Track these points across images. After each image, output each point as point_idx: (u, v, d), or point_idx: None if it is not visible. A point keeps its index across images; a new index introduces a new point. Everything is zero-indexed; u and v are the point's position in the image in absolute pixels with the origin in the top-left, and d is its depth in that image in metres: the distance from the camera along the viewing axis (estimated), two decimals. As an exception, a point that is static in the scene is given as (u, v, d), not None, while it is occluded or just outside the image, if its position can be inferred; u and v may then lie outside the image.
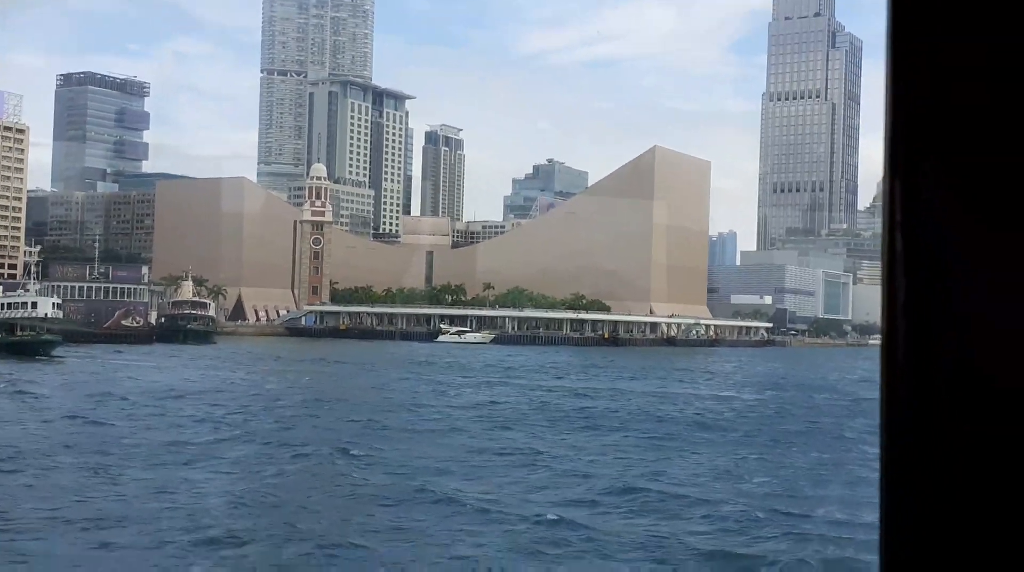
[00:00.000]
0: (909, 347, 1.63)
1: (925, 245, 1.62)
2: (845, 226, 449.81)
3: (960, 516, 1.59)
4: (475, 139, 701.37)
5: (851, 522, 29.14)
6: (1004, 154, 1.58)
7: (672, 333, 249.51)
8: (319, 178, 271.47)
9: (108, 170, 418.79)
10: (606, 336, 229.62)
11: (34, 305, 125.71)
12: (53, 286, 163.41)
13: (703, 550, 25.51)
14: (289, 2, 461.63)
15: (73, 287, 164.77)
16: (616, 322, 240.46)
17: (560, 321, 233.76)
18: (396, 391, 79.08)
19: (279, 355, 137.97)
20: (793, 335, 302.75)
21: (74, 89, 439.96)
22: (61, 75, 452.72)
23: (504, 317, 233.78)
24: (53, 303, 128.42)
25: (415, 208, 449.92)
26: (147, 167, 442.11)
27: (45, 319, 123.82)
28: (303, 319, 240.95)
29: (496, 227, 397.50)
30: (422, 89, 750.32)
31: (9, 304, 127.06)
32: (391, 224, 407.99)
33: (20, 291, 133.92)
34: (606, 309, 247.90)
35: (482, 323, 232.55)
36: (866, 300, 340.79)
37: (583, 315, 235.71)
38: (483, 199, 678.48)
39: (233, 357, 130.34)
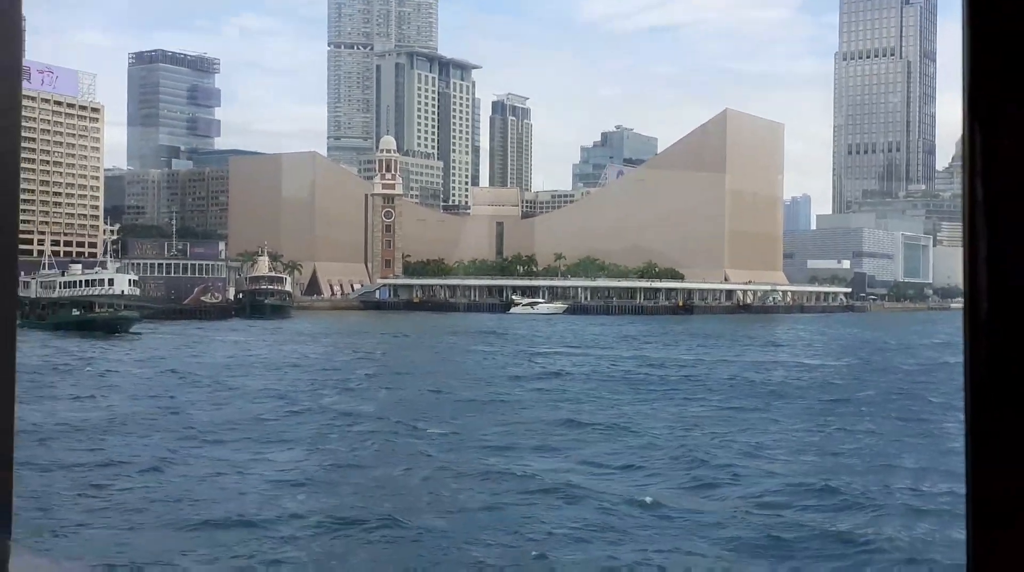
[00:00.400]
0: (992, 302, 1.56)
1: (1008, 194, 1.55)
2: (923, 187, 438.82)
3: None
4: (541, 108, 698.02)
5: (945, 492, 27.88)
6: None
7: (748, 300, 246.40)
8: (389, 151, 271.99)
9: (182, 148, 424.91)
10: (681, 304, 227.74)
11: (111, 282, 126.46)
12: (132, 264, 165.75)
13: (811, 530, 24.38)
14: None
15: (152, 264, 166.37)
16: (691, 290, 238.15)
17: (634, 290, 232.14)
18: (473, 364, 78.52)
19: (355, 329, 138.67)
20: (873, 300, 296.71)
21: (146, 67, 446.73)
22: (133, 54, 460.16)
23: (576, 287, 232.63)
24: (129, 280, 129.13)
25: (483, 179, 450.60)
26: (219, 144, 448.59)
27: (122, 296, 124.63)
28: (377, 292, 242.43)
29: (565, 196, 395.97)
30: (487, 59, 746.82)
31: (86, 281, 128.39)
32: (460, 195, 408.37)
33: (97, 269, 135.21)
34: (679, 277, 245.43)
35: (554, 294, 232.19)
36: (947, 262, 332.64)
37: (657, 284, 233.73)
38: (551, 168, 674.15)
39: (310, 331, 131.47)
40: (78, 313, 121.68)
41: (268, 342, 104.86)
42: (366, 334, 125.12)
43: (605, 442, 38.52)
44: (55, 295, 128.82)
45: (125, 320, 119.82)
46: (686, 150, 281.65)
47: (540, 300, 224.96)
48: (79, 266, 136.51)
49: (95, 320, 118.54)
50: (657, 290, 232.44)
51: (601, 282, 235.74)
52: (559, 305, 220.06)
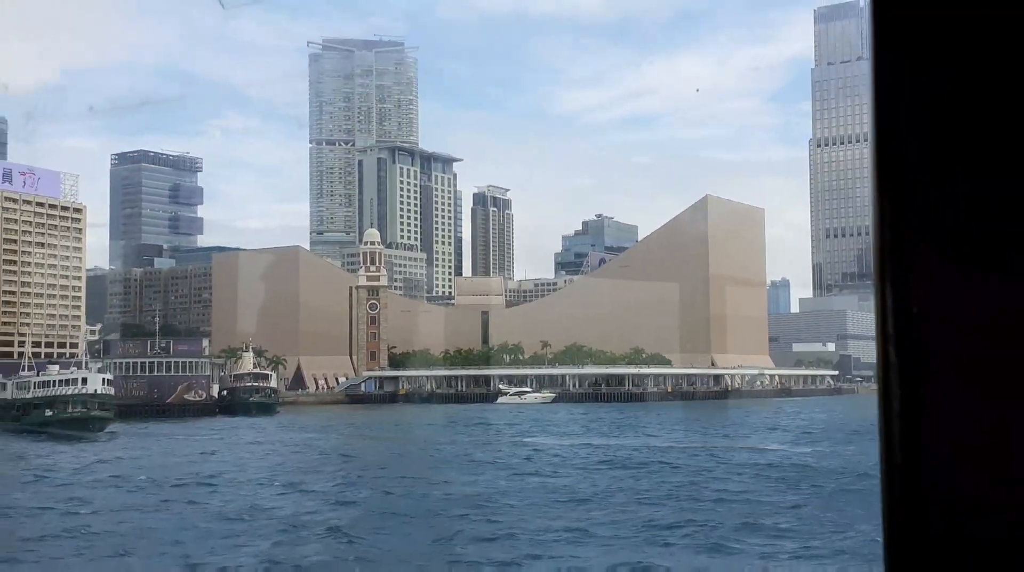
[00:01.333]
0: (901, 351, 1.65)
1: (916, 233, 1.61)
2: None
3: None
4: (521, 199, 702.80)
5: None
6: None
7: (736, 384, 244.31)
8: (373, 243, 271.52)
9: (164, 246, 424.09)
10: (670, 390, 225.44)
11: (84, 381, 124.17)
12: (115, 363, 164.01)
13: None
14: (335, 73, 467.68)
15: (135, 363, 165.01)
16: (678, 376, 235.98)
17: (622, 377, 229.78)
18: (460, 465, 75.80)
19: (337, 424, 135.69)
20: (859, 382, 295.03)
21: (129, 167, 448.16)
22: (116, 154, 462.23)
23: (564, 375, 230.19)
24: (103, 379, 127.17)
25: (466, 269, 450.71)
26: (202, 242, 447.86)
27: (95, 395, 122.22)
28: (363, 385, 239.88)
29: (548, 285, 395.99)
30: (467, 152, 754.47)
31: (60, 381, 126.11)
32: (444, 286, 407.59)
33: (72, 369, 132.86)
34: (667, 363, 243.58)
35: (542, 382, 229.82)
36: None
37: (644, 370, 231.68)
38: (533, 257, 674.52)
39: (294, 427, 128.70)
40: (51, 413, 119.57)
41: (246, 442, 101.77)
42: (349, 430, 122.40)
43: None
44: (29, 396, 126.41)
45: (98, 420, 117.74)
46: (669, 236, 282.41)
47: (527, 389, 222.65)
48: (56, 367, 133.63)
49: (67, 420, 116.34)
50: (645, 377, 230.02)
51: (589, 369, 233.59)
52: (547, 393, 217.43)
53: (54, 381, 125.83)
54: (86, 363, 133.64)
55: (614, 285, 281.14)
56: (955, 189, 1.61)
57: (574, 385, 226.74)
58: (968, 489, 1.56)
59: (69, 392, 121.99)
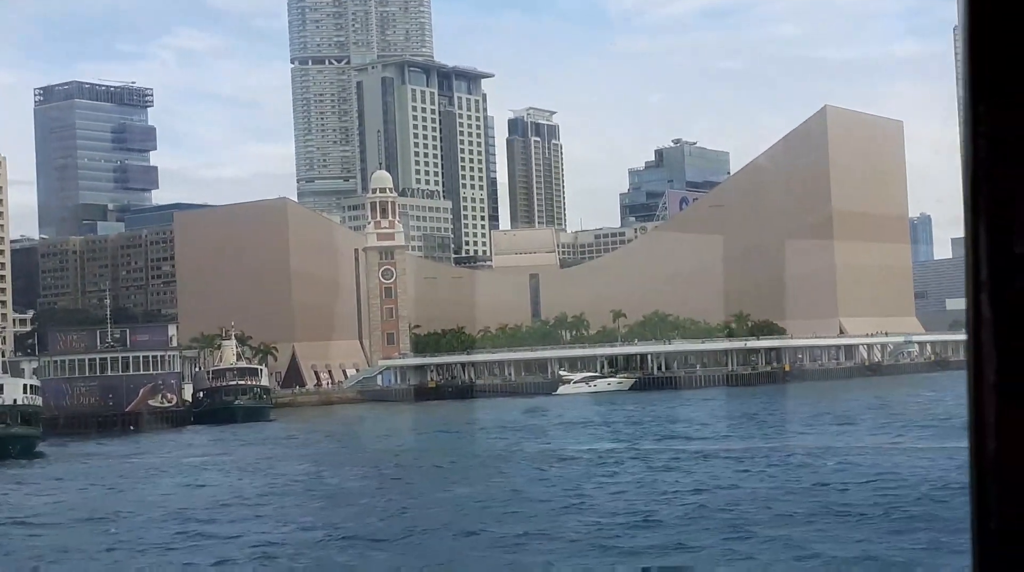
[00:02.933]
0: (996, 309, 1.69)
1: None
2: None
3: None
4: (572, 124, 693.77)
5: None
6: None
7: (876, 357, 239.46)
8: (384, 190, 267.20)
9: (110, 206, 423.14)
10: (787, 368, 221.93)
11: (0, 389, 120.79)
12: (55, 362, 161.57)
13: None
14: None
15: (82, 361, 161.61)
16: (798, 349, 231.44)
17: (723, 353, 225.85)
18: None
19: (345, 435, 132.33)
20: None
21: (58, 105, 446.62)
22: (40, 89, 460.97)
23: (647, 353, 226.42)
24: (26, 385, 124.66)
25: (503, 220, 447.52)
26: (157, 198, 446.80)
27: (15, 407, 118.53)
28: (379, 378, 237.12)
29: (614, 236, 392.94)
30: (496, 67, 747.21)
31: None
32: (477, 243, 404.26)
33: None
34: (780, 332, 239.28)
35: (615, 364, 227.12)
36: None
37: (754, 343, 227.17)
38: (591, 201, 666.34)
39: (294, 442, 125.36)
40: None
41: (232, 465, 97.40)
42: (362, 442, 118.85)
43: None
44: None
45: (19, 440, 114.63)
46: (775, 163, 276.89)
47: (597, 374, 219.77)
48: None
49: None
50: (754, 352, 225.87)
51: (679, 345, 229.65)
52: (623, 379, 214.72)
53: None
54: (4, 365, 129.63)
55: (704, 232, 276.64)
56: None
57: (659, 367, 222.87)
58: None
59: None
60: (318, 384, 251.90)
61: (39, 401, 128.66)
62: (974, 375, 1.75)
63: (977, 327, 1.72)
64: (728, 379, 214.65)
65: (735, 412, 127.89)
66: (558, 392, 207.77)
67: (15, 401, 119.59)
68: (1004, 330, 1.68)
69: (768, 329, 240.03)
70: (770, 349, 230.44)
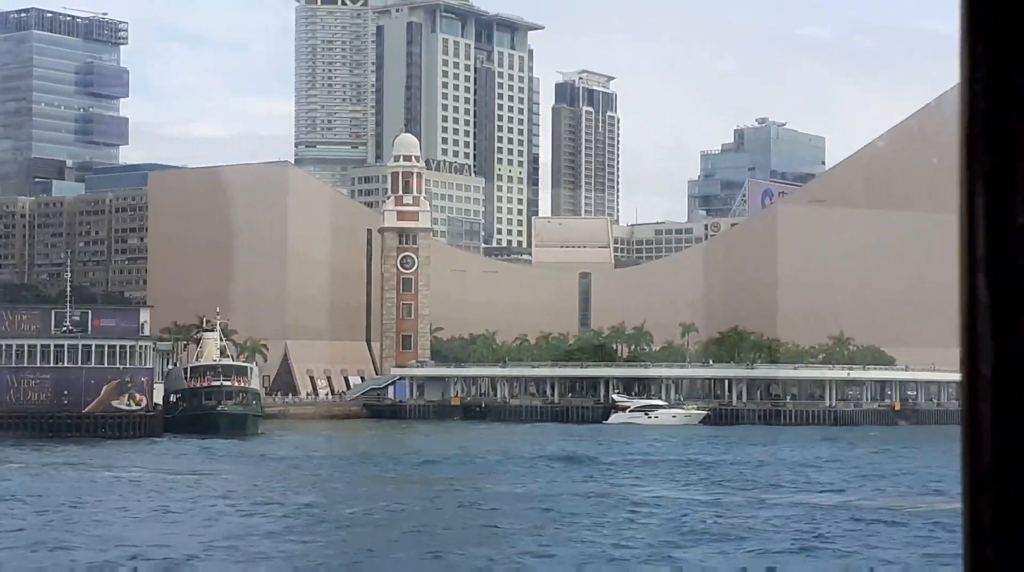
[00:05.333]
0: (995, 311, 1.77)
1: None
2: None
3: None
4: (632, 94, 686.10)
5: None
6: None
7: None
8: (408, 157, 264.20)
9: (69, 162, 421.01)
10: (897, 407, 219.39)
11: None
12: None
13: None
14: None
15: (33, 347, 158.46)
16: (909, 383, 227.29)
17: (820, 383, 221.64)
18: None
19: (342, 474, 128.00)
20: None
21: (12, 36, 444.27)
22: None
23: (724, 379, 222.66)
24: None
25: (543, 205, 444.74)
26: (125, 157, 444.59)
27: None
28: (390, 389, 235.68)
29: (680, 231, 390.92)
30: (546, 19, 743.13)
31: None
32: (512, 231, 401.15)
33: None
34: (888, 361, 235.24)
35: (681, 389, 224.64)
36: None
37: (859, 373, 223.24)
38: (652, 188, 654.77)
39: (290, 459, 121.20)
40: None
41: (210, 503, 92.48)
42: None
43: None
44: None
45: None
46: (893, 153, 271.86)
47: (659, 401, 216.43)
48: None
49: None
50: (856, 383, 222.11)
51: (764, 371, 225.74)
52: (693, 409, 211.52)
53: None
54: None
55: (796, 234, 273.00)
56: None
57: (739, 396, 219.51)
58: None
59: None
60: (314, 393, 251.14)
61: None
62: (968, 370, 1.85)
63: (972, 314, 1.78)
64: (825, 416, 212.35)
65: (884, 466, 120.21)
66: (610, 420, 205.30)
67: None
68: (1002, 317, 1.74)
69: (871, 356, 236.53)
70: (877, 381, 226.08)
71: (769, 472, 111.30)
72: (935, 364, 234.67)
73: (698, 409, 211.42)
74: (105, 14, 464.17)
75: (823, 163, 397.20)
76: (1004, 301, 1.63)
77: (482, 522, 75.26)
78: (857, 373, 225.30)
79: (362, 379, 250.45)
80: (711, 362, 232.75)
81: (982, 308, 1.64)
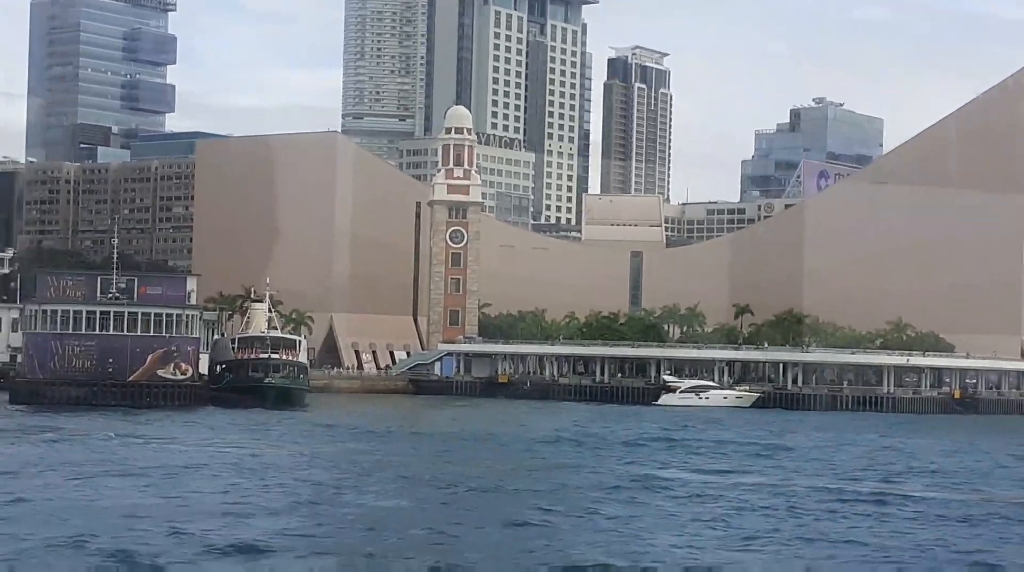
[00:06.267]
0: None
1: None
2: None
3: None
4: (684, 72, 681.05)
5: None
6: None
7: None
8: (461, 130, 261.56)
9: (114, 129, 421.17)
10: (958, 395, 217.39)
11: None
12: (44, 313, 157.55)
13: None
14: None
15: (79, 313, 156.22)
16: (970, 371, 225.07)
17: (877, 369, 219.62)
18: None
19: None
20: None
21: (58, 1, 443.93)
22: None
23: (779, 362, 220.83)
24: None
25: (592, 182, 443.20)
26: (172, 125, 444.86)
27: None
28: (437, 365, 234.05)
29: (732, 212, 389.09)
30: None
31: None
32: (562, 209, 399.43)
33: None
34: (948, 349, 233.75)
35: (734, 371, 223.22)
36: None
37: (919, 360, 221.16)
38: (704, 167, 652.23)
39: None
40: None
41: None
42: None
43: None
44: None
45: None
46: (957, 136, 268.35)
47: (711, 383, 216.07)
48: None
49: None
50: (915, 370, 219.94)
51: (820, 355, 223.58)
52: (745, 392, 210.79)
53: None
54: None
55: (854, 217, 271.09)
56: None
57: (794, 380, 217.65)
58: None
59: None
60: (359, 366, 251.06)
61: None
62: None
63: None
64: (882, 403, 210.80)
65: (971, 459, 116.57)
66: (660, 401, 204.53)
67: None
68: None
69: (930, 342, 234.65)
70: (935, 368, 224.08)
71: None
72: (996, 352, 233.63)
73: (751, 392, 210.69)
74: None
75: (881, 145, 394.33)
76: None
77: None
78: (916, 360, 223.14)
79: (408, 354, 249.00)
80: (765, 345, 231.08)
81: None
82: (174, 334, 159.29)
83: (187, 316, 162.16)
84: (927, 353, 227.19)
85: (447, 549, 54.56)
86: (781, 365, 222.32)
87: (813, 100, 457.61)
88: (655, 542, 57.39)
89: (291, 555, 51.26)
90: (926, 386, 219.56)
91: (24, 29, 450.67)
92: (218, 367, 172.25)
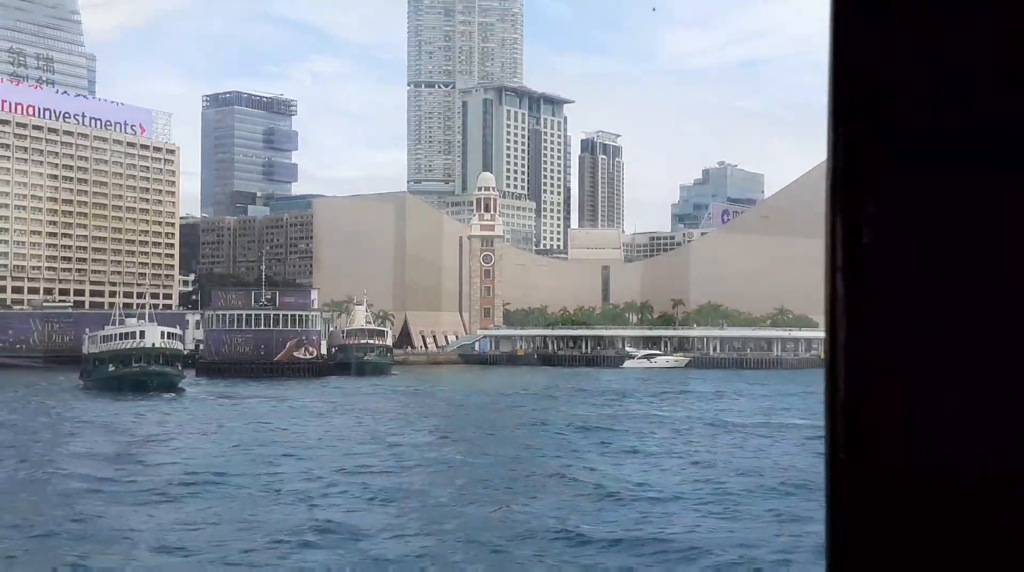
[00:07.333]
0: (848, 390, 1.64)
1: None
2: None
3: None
4: (631, 146, 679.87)
5: None
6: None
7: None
8: (488, 188, 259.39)
9: (258, 193, 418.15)
10: (822, 356, 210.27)
11: (141, 335, 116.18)
12: (218, 316, 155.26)
13: None
14: (435, 9, 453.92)
15: (240, 316, 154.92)
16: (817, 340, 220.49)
17: (769, 340, 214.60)
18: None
19: (476, 387, 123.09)
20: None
21: (221, 110, 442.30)
22: (207, 96, 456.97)
23: (703, 337, 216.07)
24: (164, 332, 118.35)
25: (574, 220, 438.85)
26: (296, 189, 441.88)
27: (153, 349, 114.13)
28: (476, 345, 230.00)
29: (666, 238, 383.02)
30: (571, 96, 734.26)
31: (120, 335, 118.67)
32: (553, 239, 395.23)
33: (134, 321, 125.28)
34: (813, 325, 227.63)
35: (672, 345, 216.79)
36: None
37: (796, 333, 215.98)
38: (644, 210, 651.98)
39: (422, 391, 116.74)
40: (113, 369, 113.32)
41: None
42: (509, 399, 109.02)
43: None
44: (96, 351, 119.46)
45: (156, 376, 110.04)
46: (820, 180, 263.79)
47: (658, 352, 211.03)
48: (133, 320, 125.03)
49: (125, 377, 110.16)
50: (796, 340, 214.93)
51: (732, 331, 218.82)
52: (680, 357, 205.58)
53: (115, 335, 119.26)
54: (151, 315, 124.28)
55: (749, 239, 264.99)
56: (912, 116, 1.62)
57: (714, 349, 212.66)
58: (918, 437, 1.55)
59: (128, 346, 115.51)
60: (425, 347, 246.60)
61: (181, 346, 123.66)
62: (829, 333, 1.70)
63: (833, 299, 1.69)
64: (774, 362, 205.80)
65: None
66: (624, 365, 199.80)
67: (153, 344, 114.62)
68: (852, 302, 1.64)
69: (803, 322, 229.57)
70: (811, 339, 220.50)
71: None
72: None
73: (683, 357, 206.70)
74: (282, 94, 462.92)
75: (762, 192, 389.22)
76: (853, 292, 1.65)
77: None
78: (794, 333, 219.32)
79: (456, 337, 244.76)
80: (694, 325, 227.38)
81: (839, 297, 1.67)
82: (304, 328, 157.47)
83: (311, 316, 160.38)
84: (801, 329, 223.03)
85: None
86: (705, 339, 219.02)
87: (717, 162, 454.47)
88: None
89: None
90: (801, 351, 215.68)
91: (198, 128, 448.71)
92: (332, 349, 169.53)
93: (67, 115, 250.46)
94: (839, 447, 1.64)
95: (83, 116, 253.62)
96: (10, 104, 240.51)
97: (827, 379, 1.66)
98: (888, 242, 1.61)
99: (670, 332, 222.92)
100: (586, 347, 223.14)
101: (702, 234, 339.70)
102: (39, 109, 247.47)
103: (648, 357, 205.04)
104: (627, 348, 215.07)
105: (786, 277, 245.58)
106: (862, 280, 1.65)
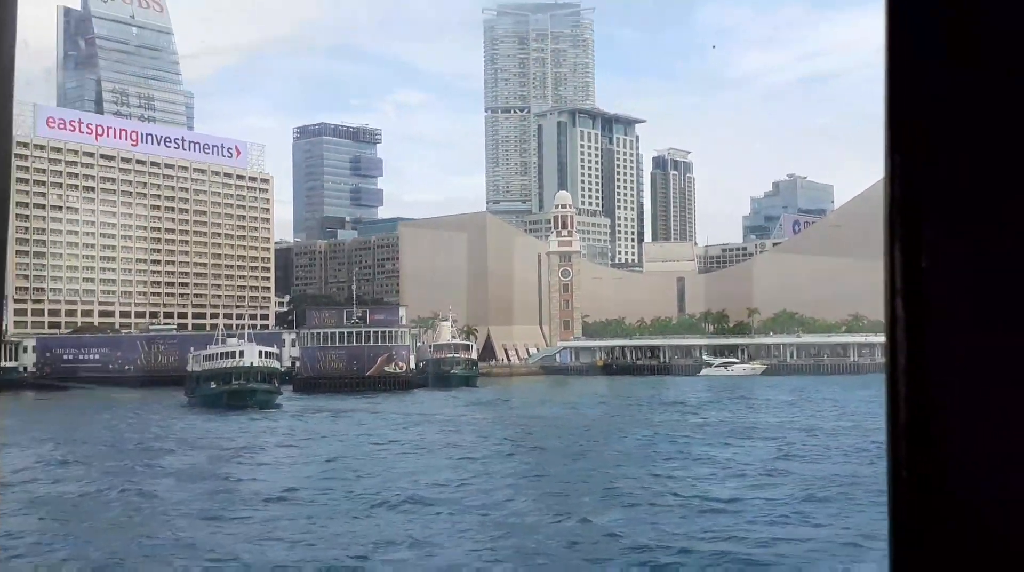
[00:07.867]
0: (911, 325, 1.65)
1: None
2: None
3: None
4: (701, 163, 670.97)
5: None
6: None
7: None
8: (564, 206, 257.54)
9: (347, 218, 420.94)
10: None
11: (241, 354, 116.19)
12: (312, 334, 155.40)
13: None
14: (510, 39, 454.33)
15: (333, 334, 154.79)
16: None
17: (845, 346, 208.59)
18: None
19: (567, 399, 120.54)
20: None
21: (310, 141, 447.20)
22: (297, 128, 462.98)
23: (780, 344, 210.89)
24: (262, 351, 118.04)
25: (647, 235, 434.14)
26: (382, 214, 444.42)
27: (251, 368, 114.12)
28: (557, 356, 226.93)
29: (738, 250, 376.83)
30: (648, 115, 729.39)
31: (221, 354, 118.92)
32: (627, 253, 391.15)
33: (234, 341, 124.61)
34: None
35: (748, 352, 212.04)
36: None
37: (874, 338, 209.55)
38: (715, 223, 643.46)
39: (510, 404, 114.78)
40: (215, 386, 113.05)
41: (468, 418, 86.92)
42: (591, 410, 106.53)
43: None
44: (199, 369, 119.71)
45: (254, 393, 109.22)
46: (870, 200, 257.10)
47: (734, 360, 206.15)
48: (234, 339, 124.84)
49: (226, 394, 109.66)
50: (872, 345, 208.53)
51: (807, 338, 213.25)
52: (756, 365, 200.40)
53: (216, 354, 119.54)
54: (250, 336, 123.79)
55: (821, 247, 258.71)
56: (968, 144, 1.60)
57: (790, 355, 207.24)
58: (980, 464, 1.51)
59: (228, 365, 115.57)
60: (507, 359, 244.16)
61: (278, 365, 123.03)
62: (889, 353, 1.60)
63: (893, 319, 1.60)
64: (852, 368, 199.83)
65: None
66: (701, 373, 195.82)
67: (252, 363, 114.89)
68: (911, 324, 1.58)
69: (879, 328, 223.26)
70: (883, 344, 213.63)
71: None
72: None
73: (760, 364, 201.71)
74: (367, 124, 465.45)
75: (832, 202, 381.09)
76: (912, 317, 1.62)
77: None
78: (870, 338, 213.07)
79: (537, 349, 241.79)
80: (770, 333, 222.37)
81: (899, 321, 1.64)
82: (393, 344, 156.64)
83: (400, 332, 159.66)
84: (877, 334, 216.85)
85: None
86: (782, 346, 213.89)
87: (787, 175, 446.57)
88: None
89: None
90: (877, 356, 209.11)
91: (289, 159, 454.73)
92: (421, 363, 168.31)
93: (168, 140, 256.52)
94: (902, 469, 1.61)
95: (183, 140, 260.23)
96: (114, 131, 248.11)
97: (888, 403, 1.63)
98: (946, 267, 1.58)
99: (746, 340, 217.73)
100: (664, 356, 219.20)
101: (774, 244, 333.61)
102: (142, 134, 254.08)
103: (725, 365, 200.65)
104: (704, 356, 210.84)
105: (859, 283, 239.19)
106: (921, 305, 1.62)
